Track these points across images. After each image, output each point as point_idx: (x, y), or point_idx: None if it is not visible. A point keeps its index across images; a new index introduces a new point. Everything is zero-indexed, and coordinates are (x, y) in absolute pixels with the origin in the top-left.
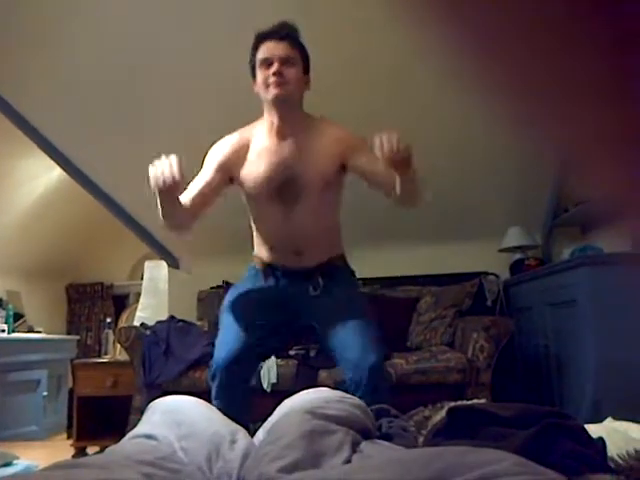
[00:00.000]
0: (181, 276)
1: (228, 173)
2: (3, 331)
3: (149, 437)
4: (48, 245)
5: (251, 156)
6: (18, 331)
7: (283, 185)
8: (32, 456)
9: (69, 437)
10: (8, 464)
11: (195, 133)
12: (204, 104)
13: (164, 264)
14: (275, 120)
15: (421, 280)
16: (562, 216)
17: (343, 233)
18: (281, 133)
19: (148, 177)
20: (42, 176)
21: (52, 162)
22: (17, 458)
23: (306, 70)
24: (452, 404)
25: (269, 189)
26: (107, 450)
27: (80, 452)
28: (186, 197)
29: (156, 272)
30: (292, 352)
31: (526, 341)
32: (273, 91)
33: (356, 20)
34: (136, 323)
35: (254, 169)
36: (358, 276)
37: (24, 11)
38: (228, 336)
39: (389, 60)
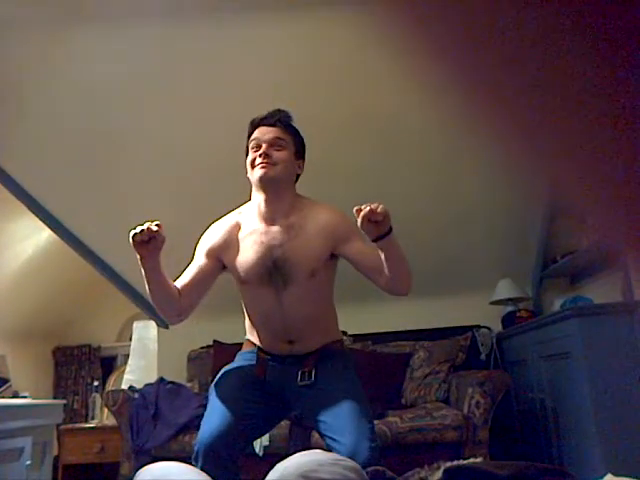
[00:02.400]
0: (171, 336)
1: (219, 259)
2: None
3: None
4: (35, 307)
5: (240, 242)
6: (2, 397)
7: (273, 270)
8: None
9: None
10: None
11: (183, 197)
12: (191, 170)
13: (153, 324)
14: (262, 203)
15: (413, 335)
16: (551, 267)
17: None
18: (269, 217)
19: None
20: (31, 238)
21: (41, 223)
22: None
23: (299, 155)
24: (449, 464)
25: (259, 274)
26: None
27: None
28: (179, 284)
29: (145, 332)
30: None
31: (522, 395)
32: (259, 172)
33: (342, 72)
34: (124, 386)
35: (243, 255)
36: (349, 333)
37: (8, 79)
38: (213, 418)
39: (375, 110)
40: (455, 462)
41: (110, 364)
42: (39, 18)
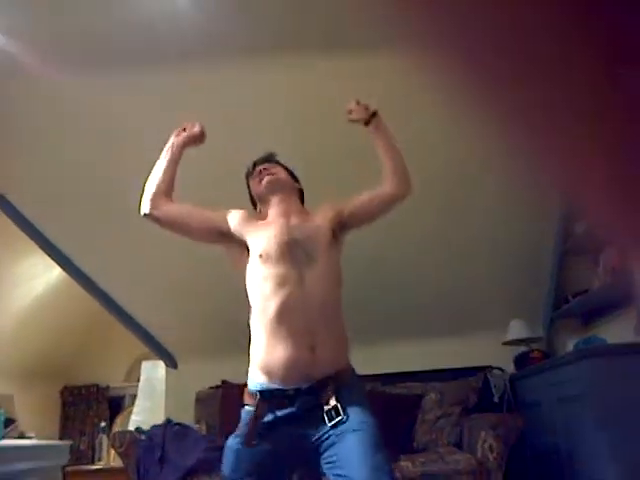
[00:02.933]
0: (178, 376)
1: (228, 226)
2: None
3: None
4: (44, 346)
5: (260, 226)
6: (8, 437)
7: (293, 244)
8: None
9: None
10: None
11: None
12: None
13: (161, 364)
14: (276, 205)
15: (424, 376)
16: (563, 307)
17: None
18: (284, 212)
19: (146, 277)
20: (41, 276)
21: (52, 261)
22: None
23: (293, 178)
24: None
25: (280, 248)
26: None
27: None
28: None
29: (153, 373)
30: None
31: (536, 438)
32: (265, 180)
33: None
34: (131, 427)
35: (263, 232)
36: (359, 373)
37: (25, 122)
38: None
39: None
40: None
41: (118, 404)
42: (56, 64)
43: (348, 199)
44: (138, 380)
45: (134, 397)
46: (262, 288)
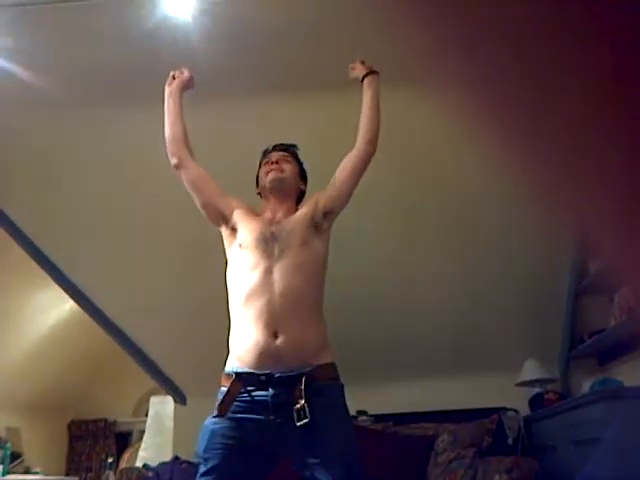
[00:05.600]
0: (187, 412)
1: (231, 211)
2: None
3: None
4: (52, 379)
5: (251, 219)
6: (14, 473)
7: (270, 239)
8: None
9: None
10: None
11: (201, 269)
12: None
13: (170, 400)
14: (270, 202)
15: (437, 416)
16: (578, 348)
17: (355, 368)
18: (273, 210)
19: (158, 311)
20: (54, 309)
21: (64, 294)
22: None
23: (302, 176)
24: None
25: (257, 239)
26: None
27: None
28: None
29: (161, 408)
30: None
31: None
32: (271, 175)
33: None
34: (138, 463)
35: (249, 222)
36: (370, 412)
37: (39, 154)
38: None
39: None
40: None
41: (125, 439)
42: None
43: (328, 185)
44: (146, 415)
45: (142, 432)
46: (235, 275)
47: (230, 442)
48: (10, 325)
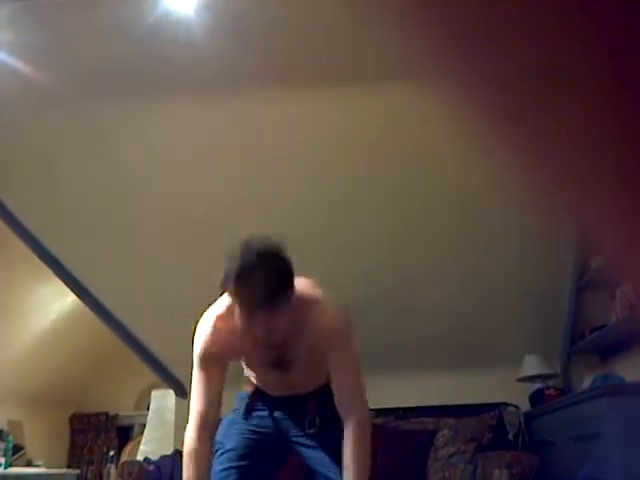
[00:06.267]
0: (189, 406)
1: (223, 361)
2: (0, 465)
3: None
4: (54, 373)
5: (239, 340)
6: (16, 465)
7: (276, 362)
8: None
9: None
10: None
11: (202, 263)
12: (215, 241)
13: (171, 393)
14: None
15: (437, 411)
16: (579, 343)
17: None
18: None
19: (159, 306)
20: (56, 302)
21: (66, 288)
22: None
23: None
24: None
25: (262, 366)
26: None
27: None
28: (204, 415)
29: (163, 402)
30: None
31: (552, 478)
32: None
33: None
34: (140, 457)
35: (245, 351)
36: (371, 407)
37: (40, 154)
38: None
39: (385, 176)
40: None
41: (127, 433)
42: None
43: (340, 350)
44: (148, 409)
45: (143, 426)
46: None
47: (248, 434)
48: (12, 319)
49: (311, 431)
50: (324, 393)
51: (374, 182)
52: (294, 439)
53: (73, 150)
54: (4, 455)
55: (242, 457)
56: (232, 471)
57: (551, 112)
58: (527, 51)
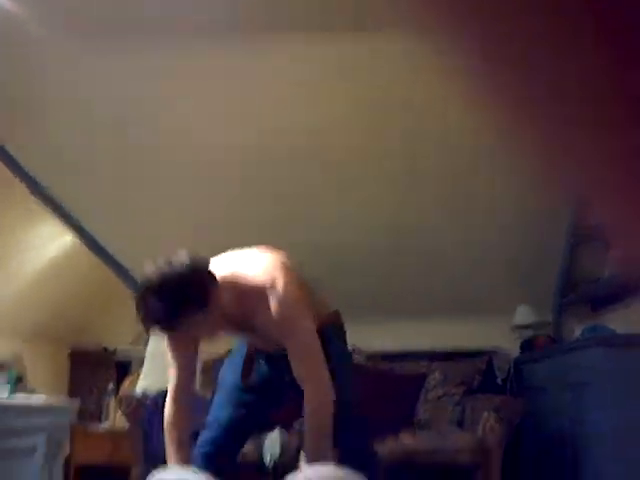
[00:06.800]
0: None
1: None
2: (5, 394)
3: None
4: (54, 308)
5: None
6: (17, 394)
7: (243, 328)
8: None
9: None
10: None
11: (201, 194)
12: (211, 167)
13: None
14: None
15: (429, 356)
16: (572, 294)
17: (350, 305)
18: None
19: (157, 243)
20: (55, 240)
21: (64, 228)
22: None
23: (199, 306)
24: None
25: (234, 332)
26: None
27: None
28: (176, 392)
29: (160, 338)
30: (297, 425)
31: (539, 423)
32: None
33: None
34: (138, 391)
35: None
36: (363, 350)
37: (41, 91)
38: (215, 412)
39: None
40: None
41: (125, 368)
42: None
43: (287, 335)
44: (146, 344)
45: (142, 361)
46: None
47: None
48: (12, 257)
49: (289, 378)
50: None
51: (377, 139)
52: (287, 383)
53: (72, 89)
54: (8, 384)
55: (241, 390)
56: (233, 404)
57: (548, 61)
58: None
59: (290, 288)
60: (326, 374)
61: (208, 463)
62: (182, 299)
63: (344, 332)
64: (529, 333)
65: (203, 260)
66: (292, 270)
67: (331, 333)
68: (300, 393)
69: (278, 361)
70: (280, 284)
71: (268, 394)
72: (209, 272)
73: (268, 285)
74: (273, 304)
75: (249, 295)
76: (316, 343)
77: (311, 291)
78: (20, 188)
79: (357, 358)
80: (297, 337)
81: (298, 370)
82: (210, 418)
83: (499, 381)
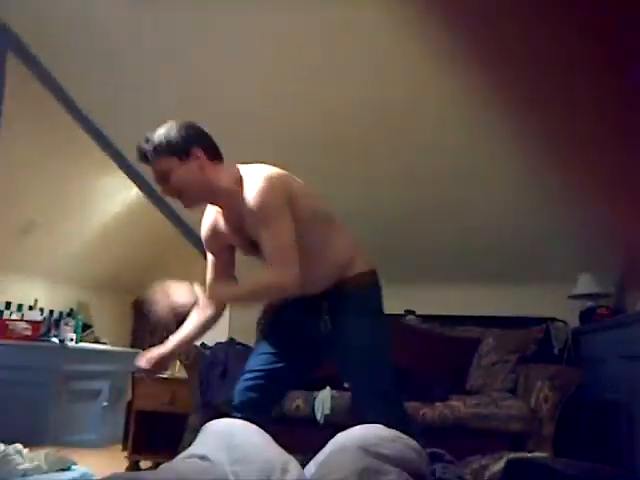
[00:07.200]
0: None
1: (218, 242)
2: (72, 340)
3: (202, 458)
4: (120, 260)
5: (221, 222)
6: (85, 341)
7: (249, 247)
8: (88, 463)
9: (124, 449)
10: (66, 469)
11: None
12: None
13: None
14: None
15: (484, 321)
16: (636, 265)
17: (403, 268)
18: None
19: None
20: (120, 194)
21: (129, 182)
22: (74, 464)
23: (183, 155)
24: (512, 455)
25: (245, 252)
26: (162, 467)
27: (134, 465)
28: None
29: None
30: (347, 384)
31: (595, 395)
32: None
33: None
34: (197, 342)
35: (228, 235)
36: (418, 312)
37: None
38: (250, 363)
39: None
40: (519, 454)
41: (185, 319)
42: None
43: (260, 225)
44: None
45: None
46: None
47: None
48: (79, 209)
49: (325, 331)
50: (343, 294)
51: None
52: (315, 341)
53: (138, 40)
54: (75, 331)
55: (273, 346)
56: (268, 357)
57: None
58: None
59: (276, 181)
60: (294, 269)
61: (243, 411)
62: (165, 140)
63: (379, 288)
64: (589, 303)
65: (197, 126)
66: (304, 185)
67: (365, 290)
68: (336, 350)
69: (309, 307)
70: (265, 174)
71: (304, 352)
72: (199, 133)
73: (253, 173)
74: (251, 186)
75: (239, 185)
76: (289, 234)
77: (336, 222)
78: (85, 139)
79: (412, 320)
80: (270, 227)
81: (268, 259)
82: (246, 367)
83: (556, 351)
